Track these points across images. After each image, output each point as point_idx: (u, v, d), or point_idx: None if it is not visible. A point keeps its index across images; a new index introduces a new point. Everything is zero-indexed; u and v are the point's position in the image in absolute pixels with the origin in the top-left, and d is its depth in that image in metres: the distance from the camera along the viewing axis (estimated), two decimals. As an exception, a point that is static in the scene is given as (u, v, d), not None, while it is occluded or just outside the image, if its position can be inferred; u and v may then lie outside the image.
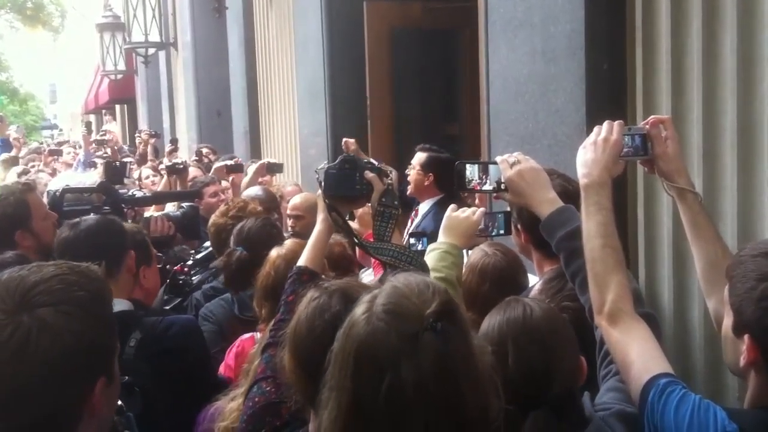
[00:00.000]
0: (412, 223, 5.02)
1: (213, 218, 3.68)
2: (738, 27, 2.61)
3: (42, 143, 17.65)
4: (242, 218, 3.52)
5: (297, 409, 1.79)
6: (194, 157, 8.79)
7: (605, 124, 1.99)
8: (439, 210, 4.81)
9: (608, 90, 3.15)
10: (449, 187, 4.99)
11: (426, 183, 4.96)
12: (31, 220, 3.18)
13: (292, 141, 7.77)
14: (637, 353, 1.70)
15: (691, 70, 2.79)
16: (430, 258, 2.37)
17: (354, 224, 3.54)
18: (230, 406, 2.17)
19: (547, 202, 2.07)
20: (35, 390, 1.27)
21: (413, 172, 4.98)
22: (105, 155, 9.46)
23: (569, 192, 2.24)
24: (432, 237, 3.43)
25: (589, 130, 3.07)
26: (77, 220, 2.76)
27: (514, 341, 1.69)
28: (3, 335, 1.25)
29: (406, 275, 1.45)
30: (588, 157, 1.94)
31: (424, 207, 5.03)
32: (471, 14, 4.37)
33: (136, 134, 12.00)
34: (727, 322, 1.65)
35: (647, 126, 2.02)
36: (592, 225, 1.87)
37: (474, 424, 1.34)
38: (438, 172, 4.93)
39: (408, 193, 5.00)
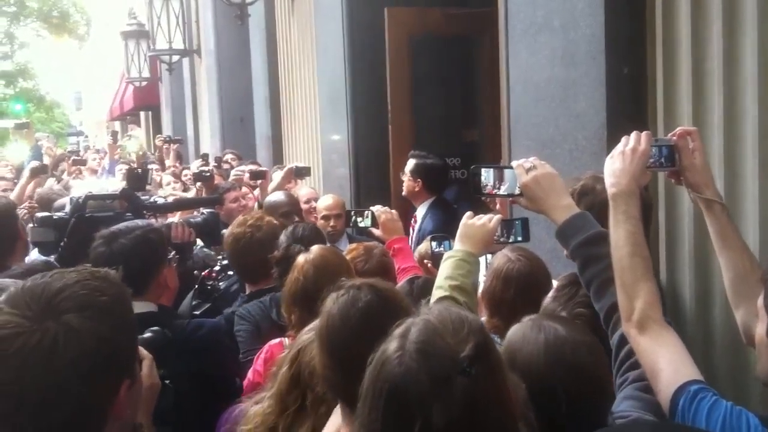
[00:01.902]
0: (413, 229, 5.10)
1: (231, 229, 3.64)
2: (759, 31, 2.59)
3: (66, 150, 17.82)
4: (261, 227, 3.52)
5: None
6: (214, 164, 8.86)
7: (633, 134, 1.99)
8: (434, 212, 4.94)
9: (628, 94, 3.14)
10: (439, 189, 5.12)
11: (417, 189, 5.17)
12: None
13: (313, 146, 7.81)
14: (667, 360, 1.69)
15: (712, 74, 2.78)
16: (446, 266, 2.36)
17: (377, 231, 3.56)
18: (254, 409, 2.18)
19: (562, 208, 2.06)
20: (63, 393, 1.29)
21: (405, 179, 5.16)
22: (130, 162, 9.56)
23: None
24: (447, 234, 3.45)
25: (609, 135, 3.12)
26: (112, 233, 2.78)
27: (567, 389, 1.63)
28: (31, 341, 1.28)
29: (441, 308, 1.42)
30: (616, 166, 1.95)
31: (420, 211, 5.18)
32: (490, 20, 4.37)
33: (156, 139, 12.14)
34: (761, 328, 1.62)
35: (674, 137, 2.01)
36: (621, 234, 1.87)
37: None
38: (425, 176, 5.16)
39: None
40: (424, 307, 1.45)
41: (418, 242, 4.35)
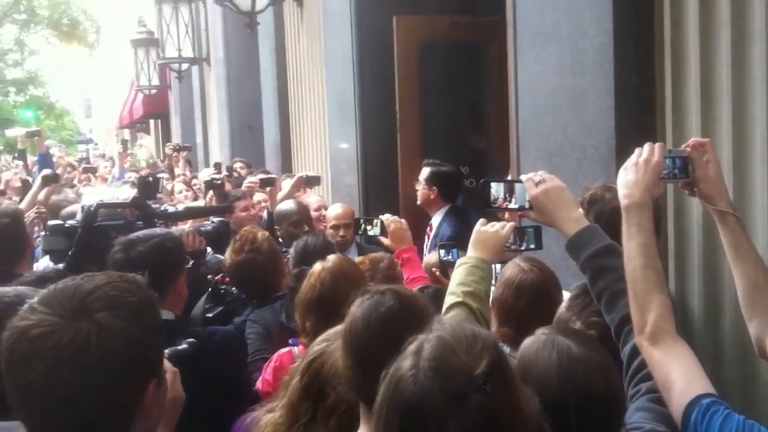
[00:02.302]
0: (428, 238, 5.08)
1: (230, 257, 3.64)
2: (767, 39, 2.59)
3: (76, 158, 17.90)
4: (260, 249, 3.53)
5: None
6: (225, 173, 8.88)
7: (646, 145, 1.99)
8: (450, 219, 4.93)
9: (637, 104, 3.14)
10: (453, 197, 5.10)
11: (432, 197, 5.13)
12: None
13: (322, 154, 7.83)
14: (680, 373, 1.69)
15: (720, 83, 2.78)
16: (459, 272, 2.37)
17: (386, 240, 3.57)
18: (266, 419, 2.19)
19: (572, 220, 2.07)
20: (93, 391, 1.32)
21: (420, 187, 5.13)
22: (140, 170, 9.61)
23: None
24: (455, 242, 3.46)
25: (618, 144, 3.12)
26: (130, 240, 2.81)
27: (577, 409, 1.63)
28: (65, 338, 1.31)
29: (454, 324, 1.42)
30: (629, 178, 1.95)
31: (436, 219, 5.15)
32: (499, 28, 4.39)
33: (166, 147, 12.19)
34: None
35: (688, 149, 2.01)
36: (634, 246, 1.87)
37: None
38: (440, 184, 5.14)
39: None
40: (437, 322, 1.44)
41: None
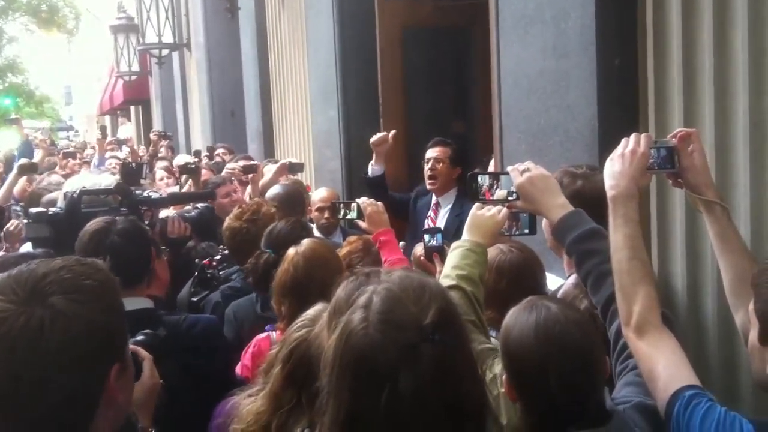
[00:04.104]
0: (436, 215, 5.01)
1: (228, 221, 3.70)
2: (749, 21, 2.60)
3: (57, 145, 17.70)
4: (257, 221, 3.55)
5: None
6: (205, 153, 8.83)
7: (633, 136, 1.99)
8: (465, 200, 4.75)
9: (620, 85, 3.14)
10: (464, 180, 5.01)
11: (454, 176, 4.98)
12: None
13: (305, 140, 7.80)
14: (664, 365, 1.70)
15: (703, 65, 2.79)
16: (453, 256, 2.38)
17: (363, 224, 3.56)
18: (248, 408, 2.18)
19: (557, 207, 2.09)
20: (51, 378, 1.29)
21: (441, 165, 4.95)
22: (121, 158, 9.52)
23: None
24: (446, 233, 3.46)
25: (600, 126, 3.13)
26: (96, 230, 2.78)
27: (557, 367, 1.67)
28: (17, 324, 1.28)
29: (401, 274, 1.45)
30: (615, 169, 1.95)
31: (446, 200, 5.01)
32: (482, 12, 4.37)
33: (151, 134, 12.10)
34: (753, 333, 1.63)
35: (674, 139, 2.01)
36: (620, 237, 1.87)
37: (472, 422, 1.36)
38: (464, 166, 4.95)
39: (429, 186, 5.02)
40: (385, 274, 1.48)
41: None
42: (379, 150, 5.03)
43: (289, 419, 2.01)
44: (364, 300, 1.39)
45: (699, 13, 2.80)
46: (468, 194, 2.29)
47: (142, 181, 4.59)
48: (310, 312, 2.09)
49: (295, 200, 4.54)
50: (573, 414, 1.67)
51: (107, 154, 10.33)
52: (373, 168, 5.07)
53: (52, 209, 3.43)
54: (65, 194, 3.52)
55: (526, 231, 2.62)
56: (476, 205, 2.51)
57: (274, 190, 4.70)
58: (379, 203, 3.61)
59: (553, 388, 1.65)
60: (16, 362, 1.27)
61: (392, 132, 5.01)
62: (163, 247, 3.10)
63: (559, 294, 2.38)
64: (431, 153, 4.99)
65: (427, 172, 4.98)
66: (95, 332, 1.34)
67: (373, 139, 5.01)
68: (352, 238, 3.67)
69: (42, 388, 1.29)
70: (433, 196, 5.07)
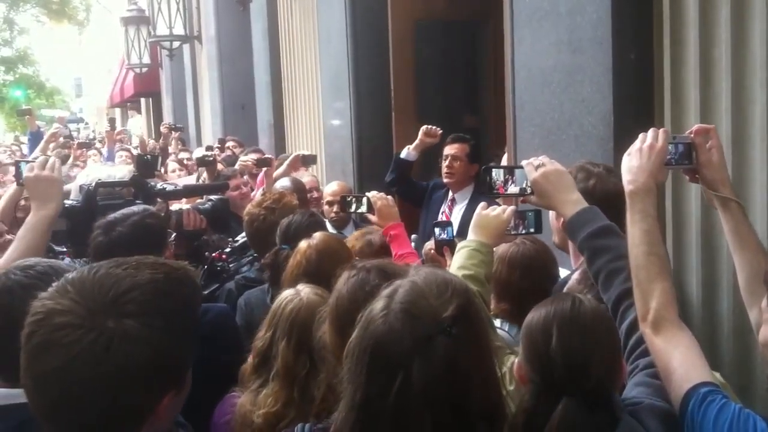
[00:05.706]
0: (450, 211, 5.00)
1: (248, 207, 3.75)
2: (767, 16, 2.58)
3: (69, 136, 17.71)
4: (275, 210, 3.57)
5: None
6: (216, 145, 8.85)
7: (650, 131, 1.98)
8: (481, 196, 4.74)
9: (635, 80, 3.13)
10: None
11: (471, 174, 4.96)
12: None
13: (316, 133, 7.80)
14: (679, 362, 1.69)
15: (720, 59, 2.77)
16: (459, 256, 2.39)
17: (373, 217, 3.56)
18: (264, 393, 2.22)
19: (570, 202, 2.08)
20: (107, 394, 1.27)
21: (458, 163, 4.93)
22: (130, 149, 9.53)
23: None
24: (461, 229, 3.46)
25: (615, 121, 3.12)
26: (109, 222, 2.78)
27: (559, 327, 1.69)
28: (86, 337, 1.25)
29: (428, 270, 1.47)
30: (633, 164, 1.94)
31: (462, 197, 4.98)
32: (495, 5, 4.36)
33: (161, 126, 12.11)
34: (765, 330, 1.62)
35: (692, 135, 2.01)
36: (637, 232, 1.87)
37: (483, 422, 1.36)
38: (481, 163, 4.88)
39: (445, 180, 5.01)
40: (414, 269, 1.52)
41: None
42: (425, 140, 5.06)
43: (309, 382, 2.09)
44: (389, 291, 1.41)
45: (716, 6, 2.78)
46: (482, 188, 2.28)
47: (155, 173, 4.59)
48: (290, 291, 2.29)
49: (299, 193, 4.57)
50: (565, 385, 1.65)
51: (116, 146, 10.33)
52: (408, 152, 5.10)
53: (67, 202, 3.43)
54: (80, 186, 3.52)
55: (532, 229, 2.64)
56: (481, 204, 2.52)
57: (280, 183, 4.75)
58: (389, 197, 3.60)
59: (552, 346, 1.66)
60: (73, 375, 1.25)
61: (440, 131, 5.05)
62: (171, 240, 3.09)
63: (564, 290, 2.38)
64: (449, 150, 4.97)
65: (444, 169, 4.98)
66: (161, 359, 1.31)
67: (428, 128, 5.04)
68: (355, 233, 3.67)
69: (96, 400, 1.27)
70: (449, 191, 5.06)
